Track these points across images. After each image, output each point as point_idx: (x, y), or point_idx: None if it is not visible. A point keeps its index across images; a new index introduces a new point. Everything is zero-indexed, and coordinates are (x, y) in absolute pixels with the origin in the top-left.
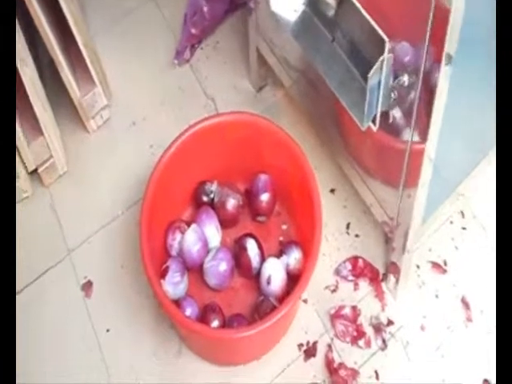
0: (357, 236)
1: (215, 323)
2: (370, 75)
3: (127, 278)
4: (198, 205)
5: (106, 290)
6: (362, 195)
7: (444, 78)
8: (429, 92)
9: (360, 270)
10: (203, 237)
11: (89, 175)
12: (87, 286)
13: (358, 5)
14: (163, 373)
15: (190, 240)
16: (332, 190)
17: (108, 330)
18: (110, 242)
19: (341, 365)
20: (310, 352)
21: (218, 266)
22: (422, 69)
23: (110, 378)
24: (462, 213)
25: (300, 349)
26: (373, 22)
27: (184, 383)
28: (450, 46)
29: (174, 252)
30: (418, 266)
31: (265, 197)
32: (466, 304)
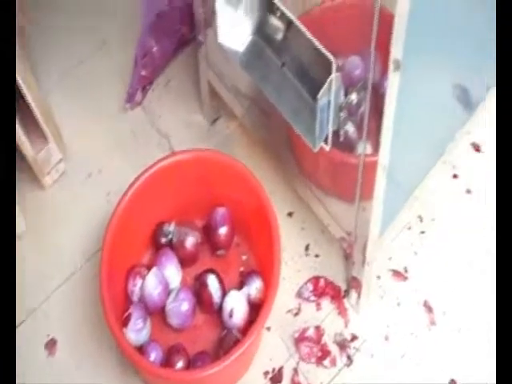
0: (316, 256)
1: (180, 364)
2: (318, 96)
3: (90, 331)
4: (157, 247)
5: (70, 345)
6: (318, 215)
7: (393, 85)
8: (379, 102)
9: (321, 289)
10: (163, 280)
11: (47, 232)
12: (51, 345)
13: (303, 27)
14: None
15: (150, 284)
16: (289, 214)
17: None
18: (72, 296)
19: None
20: (276, 379)
21: (180, 307)
22: (371, 77)
23: None
24: (420, 217)
25: (266, 376)
26: (318, 43)
27: None
28: (397, 50)
29: (135, 298)
30: (378, 277)
31: (223, 230)
32: (428, 308)
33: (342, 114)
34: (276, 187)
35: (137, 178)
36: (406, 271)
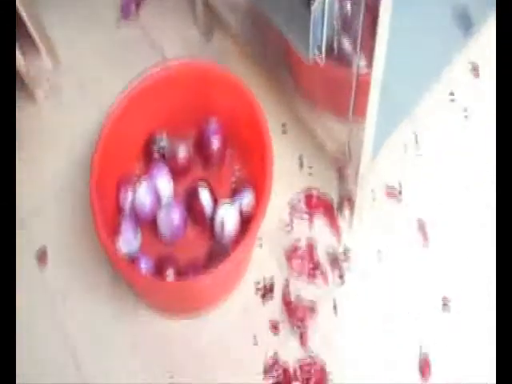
0: (310, 172)
1: (170, 275)
2: (312, 4)
3: (82, 242)
4: (148, 158)
5: (62, 256)
6: (313, 131)
7: None
8: (375, 15)
9: (314, 204)
10: (155, 191)
11: (40, 144)
12: (42, 255)
13: None
14: (123, 328)
15: (142, 195)
16: (284, 129)
17: (65, 298)
18: (65, 207)
19: (298, 302)
20: (267, 292)
21: (171, 218)
22: None
23: (69, 341)
24: (416, 138)
25: (257, 292)
26: None
27: (145, 338)
28: None
29: (126, 208)
30: (372, 196)
31: (215, 141)
32: (422, 227)
33: (336, 25)
34: (271, 102)
35: (129, 89)
36: (400, 191)
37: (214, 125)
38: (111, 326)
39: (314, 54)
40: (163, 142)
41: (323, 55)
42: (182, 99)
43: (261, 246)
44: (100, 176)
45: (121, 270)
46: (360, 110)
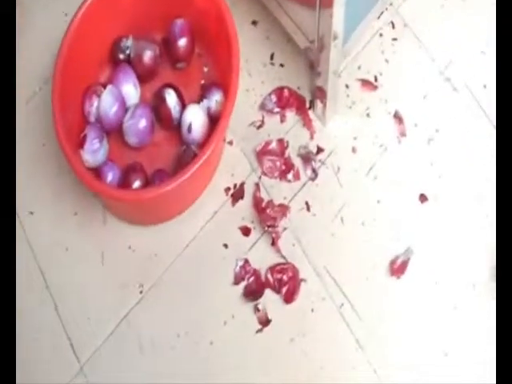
0: (281, 66)
1: (137, 183)
2: None
3: (49, 156)
4: (115, 64)
5: (28, 171)
6: (282, 24)
7: None
8: None
9: (286, 100)
10: (120, 97)
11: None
12: None
13: None
14: (91, 240)
15: (105, 103)
16: (254, 23)
17: (32, 213)
18: (30, 120)
19: (269, 202)
20: (237, 195)
21: (137, 124)
22: None
23: (37, 256)
24: (392, 23)
25: (227, 193)
26: None
27: (114, 248)
28: None
29: (92, 118)
30: (347, 86)
31: (182, 42)
32: (398, 119)
33: None
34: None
35: None
36: (376, 80)
37: (180, 25)
38: (77, 234)
39: None
40: (128, 43)
41: None
42: (148, 1)
43: (231, 144)
44: (63, 85)
45: (84, 183)
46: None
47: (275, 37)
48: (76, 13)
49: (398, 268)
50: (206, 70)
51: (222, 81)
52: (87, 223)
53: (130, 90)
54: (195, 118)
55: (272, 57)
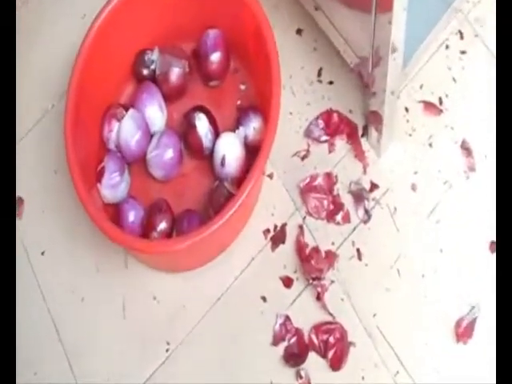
0: (330, 83)
1: (162, 225)
2: None
3: (62, 186)
4: (138, 81)
5: (39, 204)
6: (329, 35)
7: None
8: None
9: (335, 126)
10: (143, 123)
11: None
12: (17, 204)
13: None
14: (111, 287)
15: (126, 130)
16: (299, 31)
17: (43, 253)
18: (41, 143)
19: (314, 249)
20: (278, 238)
21: (163, 155)
22: None
23: (48, 303)
24: (461, 33)
25: (266, 236)
26: None
27: (135, 298)
28: None
29: (111, 145)
30: (406, 109)
31: (216, 56)
32: (466, 150)
33: None
34: (284, 5)
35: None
36: (440, 102)
37: (213, 37)
38: (95, 279)
39: None
40: (153, 56)
41: None
42: (175, 7)
43: (271, 177)
44: (78, 104)
45: (99, 228)
46: (385, 5)
47: (324, 48)
48: (95, 19)
49: (464, 331)
50: (242, 88)
51: (262, 101)
52: (106, 267)
53: (155, 113)
54: (230, 150)
55: (320, 72)
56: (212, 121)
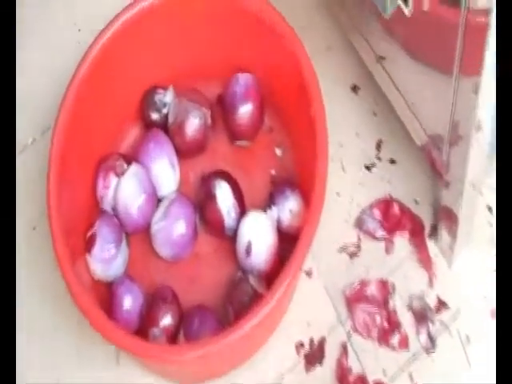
0: (392, 162)
1: (166, 321)
2: None
3: (43, 247)
4: (145, 128)
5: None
6: (391, 98)
7: None
8: None
9: (395, 219)
10: (149, 183)
11: None
12: None
13: None
14: None
15: (127, 191)
16: (355, 88)
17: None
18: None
19: (360, 377)
20: (314, 357)
21: (172, 229)
22: None
23: None
24: None
25: (299, 351)
26: None
27: None
28: None
29: (106, 207)
30: (489, 209)
31: (246, 109)
32: None
33: None
34: (334, 42)
35: (118, 16)
36: None
37: (245, 83)
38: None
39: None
40: (167, 97)
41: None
42: (197, 38)
43: (309, 275)
44: (66, 152)
45: (82, 312)
46: (471, 66)
47: (386, 114)
48: (94, 41)
49: None
50: (278, 153)
51: (302, 174)
52: (92, 361)
53: (165, 171)
54: (258, 235)
55: (379, 146)
56: (237, 193)
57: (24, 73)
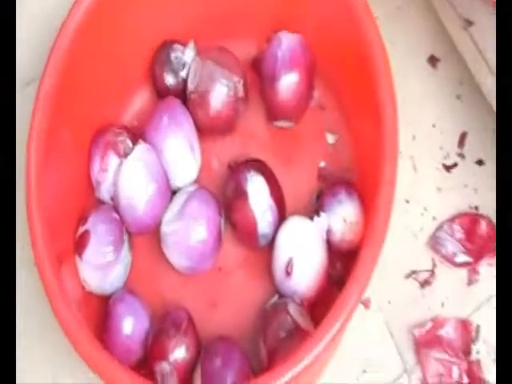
0: (479, 163)
1: (179, 353)
2: None
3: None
4: (156, 95)
5: None
6: (481, 79)
7: None
8: None
9: (482, 241)
10: (160, 169)
11: None
12: None
13: None
14: None
15: (131, 179)
16: (432, 60)
17: None
18: None
19: None
20: None
21: (189, 232)
22: None
23: None
24: None
25: None
26: None
27: None
28: None
29: (104, 195)
30: None
31: (290, 80)
32: None
33: None
34: (407, 4)
35: None
36: None
37: (289, 47)
38: None
39: None
40: (186, 55)
41: None
42: None
43: (366, 306)
44: (53, 120)
45: (65, 333)
46: None
47: (474, 99)
48: None
49: None
50: (330, 139)
51: (361, 171)
52: None
53: (182, 155)
54: (302, 249)
55: (462, 140)
56: (275, 190)
57: None
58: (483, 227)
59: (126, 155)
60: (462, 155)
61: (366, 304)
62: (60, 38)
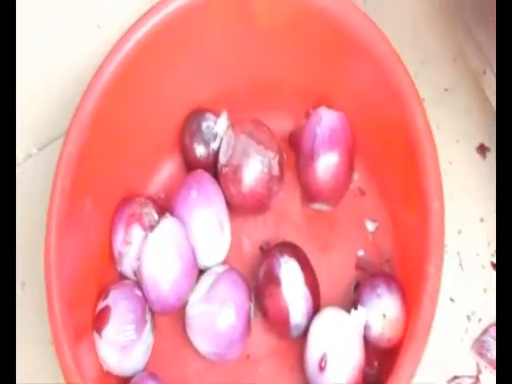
0: None
1: None
2: None
3: (31, 307)
4: (185, 166)
5: None
6: None
7: None
8: None
9: None
10: (187, 248)
11: None
12: None
13: None
14: None
15: (157, 255)
16: (482, 149)
17: None
18: None
19: None
20: None
21: (216, 317)
22: None
23: None
24: None
25: None
26: None
27: None
28: None
29: (126, 269)
30: None
31: (329, 161)
32: None
33: None
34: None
35: (155, 8)
36: None
37: (330, 125)
38: None
39: None
40: (219, 125)
41: None
42: (266, 52)
43: None
44: (77, 188)
45: None
46: None
47: None
48: (118, 42)
49: None
50: (370, 227)
51: (403, 264)
52: None
53: (211, 233)
54: (338, 345)
55: None
56: (310, 278)
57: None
58: None
59: (151, 228)
60: None
61: None
62: (83, 104)
